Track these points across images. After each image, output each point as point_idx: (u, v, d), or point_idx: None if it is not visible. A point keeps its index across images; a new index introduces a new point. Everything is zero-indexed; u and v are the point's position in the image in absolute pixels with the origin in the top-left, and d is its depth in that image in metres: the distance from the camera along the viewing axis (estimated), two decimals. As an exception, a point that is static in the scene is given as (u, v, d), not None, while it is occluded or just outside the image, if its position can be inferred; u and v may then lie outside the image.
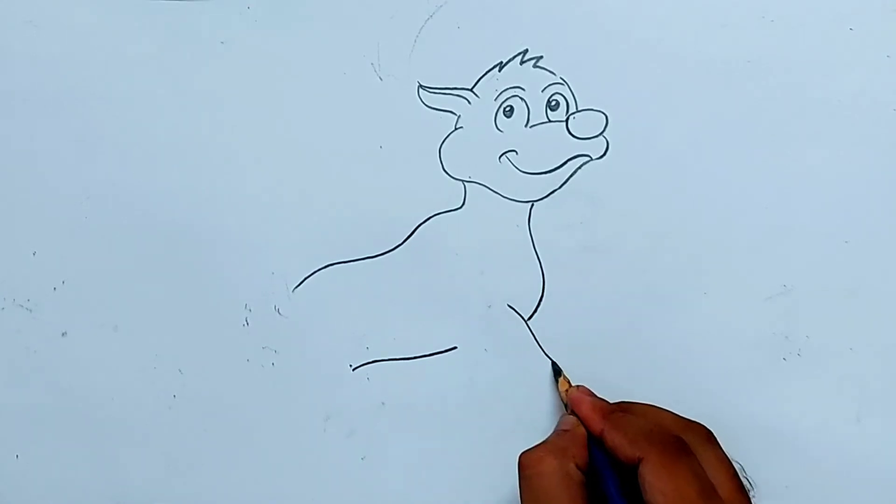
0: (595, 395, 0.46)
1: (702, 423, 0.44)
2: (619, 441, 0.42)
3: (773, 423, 0.48)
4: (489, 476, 0.48)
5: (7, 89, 0.49)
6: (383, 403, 0.48)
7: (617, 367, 0.48)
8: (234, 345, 0.49)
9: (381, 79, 0.48)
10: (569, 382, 0.47)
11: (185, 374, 0.49)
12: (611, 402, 0.46)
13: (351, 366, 0.49)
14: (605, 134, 0.47)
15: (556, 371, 0.47)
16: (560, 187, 0.48)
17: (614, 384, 0.47)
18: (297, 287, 0.48)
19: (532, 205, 0.48)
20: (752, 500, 0.42)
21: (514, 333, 0.48)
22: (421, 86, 0.48)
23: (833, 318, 0.47)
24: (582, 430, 0.44)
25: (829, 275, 0.47)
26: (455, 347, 0.48)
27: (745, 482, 0.42)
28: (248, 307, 0.49)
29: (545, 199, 0.48)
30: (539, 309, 0.48)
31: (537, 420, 0.48)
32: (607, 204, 0.48)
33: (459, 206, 0.48)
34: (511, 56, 0.48)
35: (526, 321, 0.48)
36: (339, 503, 0.49)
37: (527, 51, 0.47)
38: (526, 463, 0.42)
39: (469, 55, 0.48)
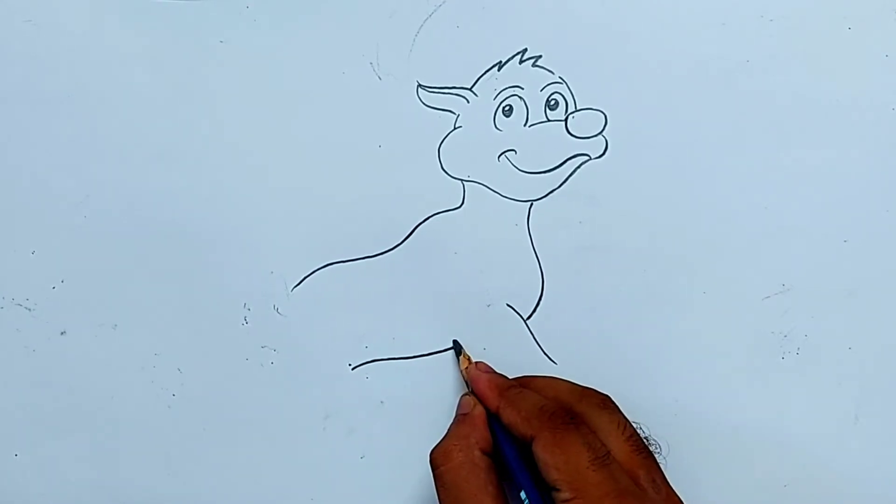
0: (494, 371, 0.46)
1: (598, 389, 0.44)
2: (514, 419, 0.42)
3: (772, 422, 0.48)
4: (488, 475, 0.48)
5: (7, 89, 0.49)
6: (382, 402, 0.49)
7: (616, 366, 0.48)
8: (234, 344, 0.49)
9: (380, 78, 0.48)
10: (469, 360, 0.47)
11: (185, 373, 0.49)
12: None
13: (350, 365, 0.49)
14: (604, 133, 0.48)
15: (457, 350, 0.47)
16: (559, 187, 0.48)
17: (613, 383, 0.47)
18: (296, 286, 0.48)
19: (531, 204, 0.48)
20: (659, 459, 0.42)
21: (513, 333, 0.48)
22: (420, 85, 0.48)
23: (832, 318, 0.47)
24: (480, 409, 0.44)
25: (828, 274, 0.48)
26: (454, 346, 0.48)
27: (652, 445, 0.42)
28: (247, 306, 0.49)
29: (544, 199, 0.48)
30: (538, 308, 0.48)
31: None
32: (606, 203, 0.48)
33: (458, 205, 0.48)
34: (510, 55, 0.48)
35: (525, 321, 0.48)
36: (339, 502, 0.49)
37: (526, 50, 0.47)
38: (435, 460, 0.43)
39: (468, 54, 0.48)
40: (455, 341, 0.48)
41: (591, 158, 0.48)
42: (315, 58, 0.48)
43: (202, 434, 0.49)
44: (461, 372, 0.47)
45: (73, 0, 0.48)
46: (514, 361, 0.48)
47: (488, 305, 0.48)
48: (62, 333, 0.49)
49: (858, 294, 0.48)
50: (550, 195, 0.48)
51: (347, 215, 0.48)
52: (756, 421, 0.48)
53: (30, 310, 0.49)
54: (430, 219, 0.48)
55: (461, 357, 0.47)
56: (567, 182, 0.48)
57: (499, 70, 0.48)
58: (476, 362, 0.47)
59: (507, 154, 0.48)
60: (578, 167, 0.48)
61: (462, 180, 0.48)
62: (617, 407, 0.44)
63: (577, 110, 0.47)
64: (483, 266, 0.48)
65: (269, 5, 0.48)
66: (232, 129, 0.48)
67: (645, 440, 0.42)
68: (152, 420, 0.49)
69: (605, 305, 0.48)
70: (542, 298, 0.48)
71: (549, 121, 0.48)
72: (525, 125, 0.48)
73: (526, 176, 0.48)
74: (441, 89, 0.48)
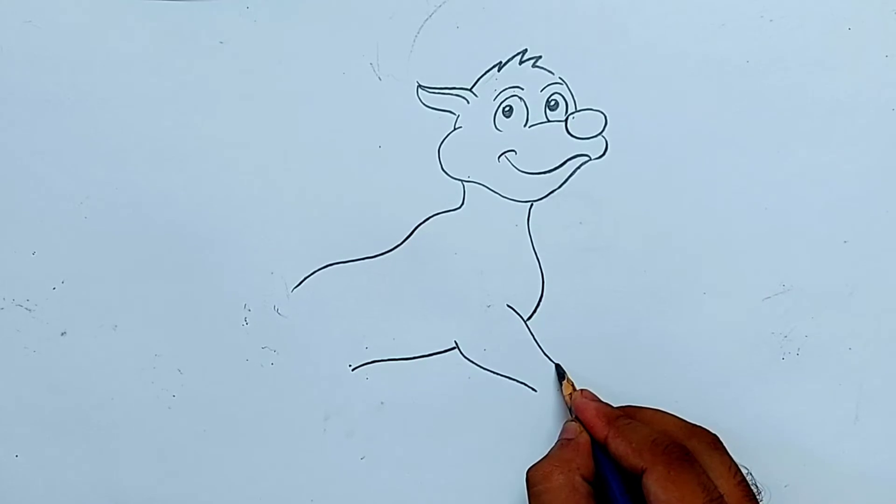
0: (599, 400, 0.46)
1: (707, 427, 0.44)
2: (624, 450, 0.42)
3: (772, 423, 0.48)
4: (488, 476, 0.48)
5: (7, 89, 0.49)
6: (382, 403, 0.49)
7: (616, 367, 0.48)
8: (234, 345, 0.49)
9: (380, 79, 0.48)
10: (573, 386, 0.47)
11: (185, 374, 0.49)
12: (614, 405, 0.46)
13: (350, 366, 0.49)
14: (604, 134, 0.47)
15: (560, 374, 0.47)
16: (559, 187, 0.48)
17: (613, 384, 0.47)
18: (296, 287, 0.48)
19: (531, 205, 0.48)
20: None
21: (513, 334, 0.48)
22: (420, 86, 0.48)
23: (832, 318, 0.47)
24: (585, 437, 0.44)
25: (828, 275, 0.48)
26: (454, 347, 0.48)
27: (753, 488, 0.42)
28: (247, 307, 0.49)
29: (544, 199, 0.48)
30: (538, 309, 0.48)
31: (536, 420, 0.48)
32: (606, 204, 0.48)
33: (459, 206, 0.48)
34: (510, 56, 0.47)
35: (525, 321, 0.48)
36: (339, 503, 0.49)
37: (526, 51, 0.47)
38: (533, 479, 0.42)
39: (468, 55, 0.48)
40: (558, 365, 0.47)
41: (591, 159, 0.48)
42: (315, 58, 0.48)
43: (202, 435, 0.49)
44: (564, 397, 0.47)
45: (73, 0, 0.48)
46: (514, 362, 0.48)
47: (488, 306, 0.48)
48: (62, 334, 0.49)
49: (858, 294, 0.48)
50: (550, 196, 0.48)
51: (347, 216, 0.48)
52: (756, 421, 0.48)
53: (30, 310, 0.49)
54: (431, 219, 0.48)
55: (564, 382, 0.47)
56: (567, 183, 0.48)
57: (499, 71, 0.48)
58: (581, 390, 0.47)
59: (507, 154, 0.48)
60: (578, 168, 0.48)
61: (462, 181, 0.48)
62: (726, 448, 0.43)
63: (577, 111, 0.47)
64: (483, 267, 0.48)
65: (269, 5, 0.48)
66: (232, 130, 0.48)
67: (753, 486, 0.42)
68: (152, 421, 0.49)
69: (605, 306, 0.48)
70: (543, 299, 0.48)
71: (549, 121, 0.48)
72: (525, 126, 0.48)
73: (526, 176, 0.48)
74: (441, 90, 0.48)
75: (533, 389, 0.48)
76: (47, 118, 0.49)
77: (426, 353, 0.48)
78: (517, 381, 0.48)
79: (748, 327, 0.48)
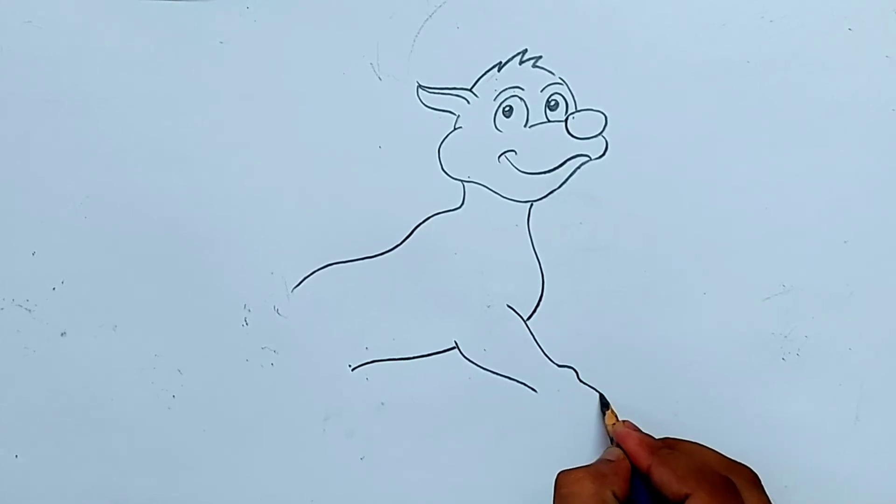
0: (641, 431, 0.46)
1: (747, 465, 0.44)
2: (668, 477, 0.42)
3: (772, 423, 0.48)
4: (488, 476, 0.48)
5: (7, 89, 0.49)
6: (382, 403, 0.49)
7: (616, 367, 0.48)
8: (234, 345, 0.49)
9: (380, 79, 0.48)
10: (615, 416, 0.47)
11: (185, 374, 0.49)
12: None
13: (350, 366, 0.49)
14: (604, 134, 0.47)
15: (604, 404, 0.47)
16: (559, 187, 0.48)
17: (614, 385, 0.47)
18: (296, 287, 0.48)
19: (531, 205, 0.48)
20: None
21: (513, 334, 0.48)
22: (420, 86, 0.48)
23: (832, 319, 0.47)
24: (626, 463, 0.44)
25: (828, 275, 0.48)
26: (454, 347, 0.48)
27: None
28: (247, 307, 0.49)
29: (544, 199, 0.48)
30: (538, 309, 0.48)
31: (536, 421, 0.48)
32: (606, 204, 0.48)
33: (459, 206, 0.48)
34: (510, 56, 0.48)
35: (525, 321, 0.48)
36: (339, 503, 0.49)
37: (526, 51, 0.47)
38: (563, 482, 0.42)
39: (468, 55, 0.48)
40: (602, 396, 0.47)
41: (591, 159, 0.48)
42: (315, 58, 0.48)
43: (202, 435, 0.49)
44: (606, 427, 0.47)
45: (73, 0, 0.48)
46: (514, 362, 0.48)
47: (488, 306, 0.48)
48: (62, 334, 0.49)
49: (858, 294, 0.48)
50: (550, 196, 0.48)
51: (347, 216, 0.48)
52: (756, 421, 0.48)
53: (30, 311, 0.49)
54: (431, 219, 0.48)
55: (608, 413, 0.47)
56: (567, 183, 0.48)
57: (499, 71, 0.48)
58: (623, 420, 0.47)
59: (507, 154, 0.48)
60: (578, 168, 0.48)
61: (462, 181, 0.48)
62: (763, 488, 0.43)
63: (577, 111, 0.47)
64: (483, 267, 0.48)
65: (269, 6, 0.48)
66: (232, 130, 0.48)
67: None
68: (152, 421, 0.49)
69: (605, 306, 0.48)
70: (543, 299, 0.48)
71: (549, 121, 0.48)
72: (525, 126, 0.48)
73: (526, 176, 0.48)
74: (441, 90, 0.48)
75: (533, 389, 0.48)
76: (47, 118, 0.49)
77: (426, 353, 0.48)
78: (517, 382, 0.48)
79: (748, 328, 0.48)
